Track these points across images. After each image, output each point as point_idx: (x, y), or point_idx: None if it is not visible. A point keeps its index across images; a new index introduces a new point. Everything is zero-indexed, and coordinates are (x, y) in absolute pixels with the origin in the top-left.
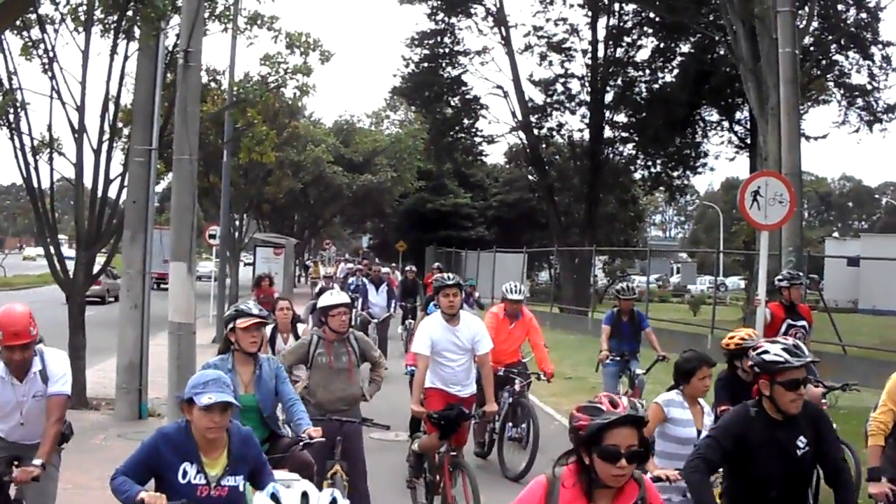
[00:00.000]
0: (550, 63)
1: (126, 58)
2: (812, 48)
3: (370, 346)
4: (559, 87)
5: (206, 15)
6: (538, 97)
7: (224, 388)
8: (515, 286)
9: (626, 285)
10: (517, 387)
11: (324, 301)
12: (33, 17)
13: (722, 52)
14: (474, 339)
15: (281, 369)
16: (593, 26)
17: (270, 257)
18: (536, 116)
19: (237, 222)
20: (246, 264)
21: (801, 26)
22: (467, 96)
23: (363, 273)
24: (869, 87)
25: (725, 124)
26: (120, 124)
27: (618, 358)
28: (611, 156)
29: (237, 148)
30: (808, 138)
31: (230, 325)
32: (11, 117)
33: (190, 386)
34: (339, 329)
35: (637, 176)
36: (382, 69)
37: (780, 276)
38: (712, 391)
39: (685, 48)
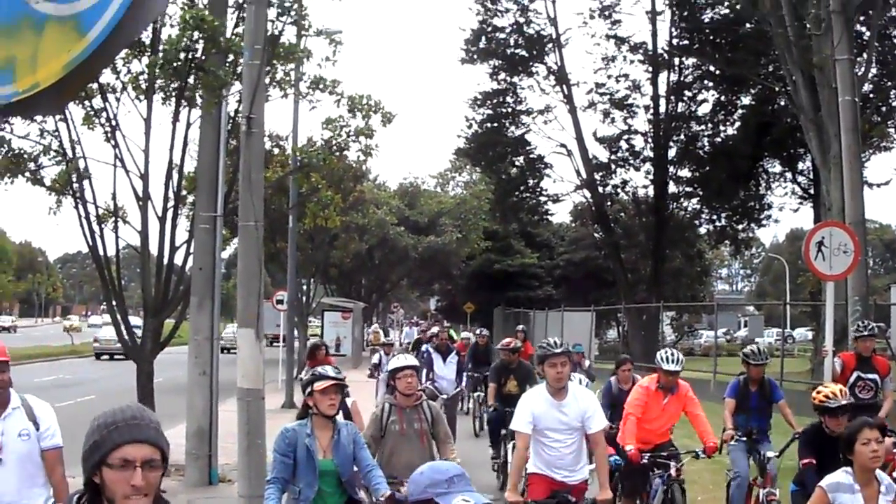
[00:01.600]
0: (613, 120)
1: (188, 125)
2: (872, 95)
3: (441, 419)
4: (623, 144)
5: (267, 81)
6: (602, 154)
7: (469, 483)
8: (673, 354)
9: (756, 348)
10: (673, 471)
11: (392, 364)
12: (95, 86)
13: (782, 103)
14: (584, 416)
15: (359, 435)
16: (654, 82)
17: (339, 321)
18: (601, 174)
19: (304, 287)
20: (313, 327)
21: (860, 73)
22: (531, 156)
23: (440, 339)
24: None
25: (788, 175)
26: (184, 191)
27: (744, 438)
28: (675, 211)
29: (303, 213)
30: (870, 186)
31: (308, 390)
32: (76, 186)
33: (426, 483)
34: (405, 391)
35: (702, 230)
36: (446, 130)
37: (854, 327)
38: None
39: (746, 100)
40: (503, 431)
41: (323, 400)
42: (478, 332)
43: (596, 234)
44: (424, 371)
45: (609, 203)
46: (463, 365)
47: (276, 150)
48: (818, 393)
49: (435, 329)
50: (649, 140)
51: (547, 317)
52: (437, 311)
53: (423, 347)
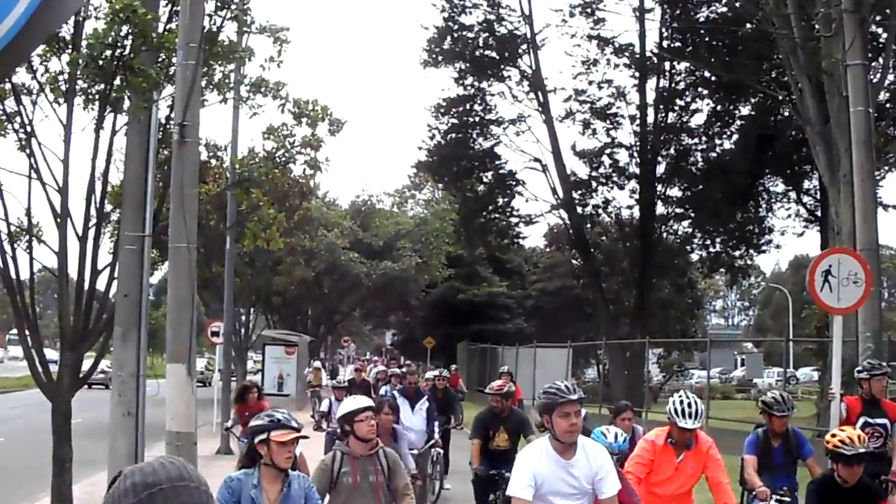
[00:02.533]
0: (594, 132)
1: (114, 132)
2: (888, 105)
3: (399, 470)
4: (605, 159)
5: (204, 83)
6: (581, 170)
7: None
8: (691, 406)
9: (780, 395)
10: None
11: (345, 407)
12: (7, 86)
13: (786, 114)
14: (596, 477)
15: (312, 489)
16: (641, 89)
17: (282, 357)
18: (580, 192)
19: (243, 317)
20: (255, 363)
21: (875, 81)
22: (501, 171)
23: (401, 380)
24: None
25: (792, 195)
26: (108, 208)
27: (787, 499)
28: (664, 235)
29: (241, 233)
30: (885, 207)
31: (262, 437)
32: None
33: None
34: (367, 435)
35: (694, 257)
36: (406, 143)
37: (859, 367)
38: None
39: (745, 110)
40: (491, 497)
41: (280, 451)
42: (437, 372)
43: (574, 261)
44: None
45: (589, 225)
46: (431, 412)
47: (212, 162)
48: (833, 437)
49: (381, 368)
50: (635, 155)
51: (517, 353)
52: (393, 347)
53: (383, 390)
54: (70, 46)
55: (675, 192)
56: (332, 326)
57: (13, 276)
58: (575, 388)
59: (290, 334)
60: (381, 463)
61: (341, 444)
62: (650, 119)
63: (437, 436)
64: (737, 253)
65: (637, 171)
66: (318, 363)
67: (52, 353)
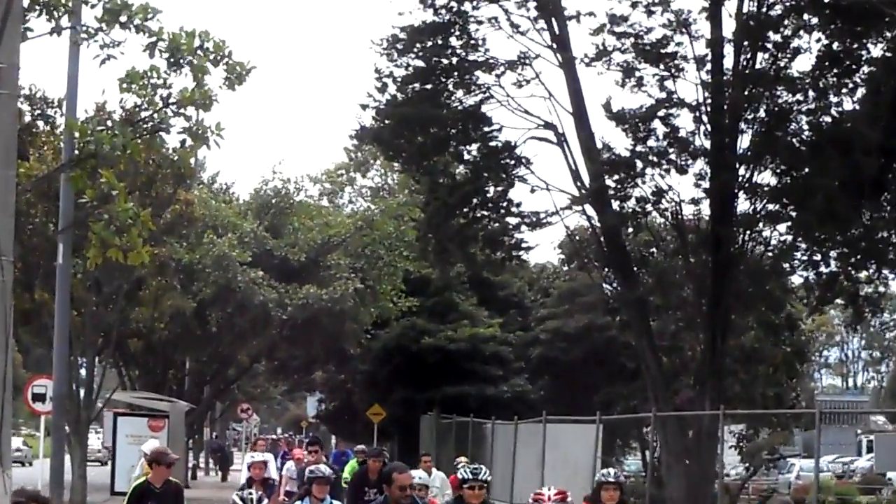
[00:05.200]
0: (641, 82)
1: None
2: None
3: None
4: (658, 125)
5: (26, 4)
6: (620, 143)
7: None
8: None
9: None
10: None
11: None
12: None
13: None
14: None
15: None
16: (715, 15)
17: (143, 434)
18: (617, 178)
19: (84, 371)
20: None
21: None
22: (493, 143)
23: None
24: None
25: None
26: None
27: None
28: (749, 246)
29: (83, 240)
30: None
31: None
32: None
33: None
34: None
35: (796, 280)
36: (342, 99)
37: None
38: None
39: (876, 51)
40: None
41: None
42: (468, 464)
43: (606, 286)
44: None
45: (631, 230)
46: None
47: (40, 125)
48: None
49: (257, 456)
50: (704, 119)
51: (516, 432)
52: (318, 420)
53: None
54: None
55: (766, 178)
56: (225, 387)
57: None
58: None
59: (157, 398)
60: None
61: None
62: (728, 63)
63: None
64: (862, 274)
65: (707, 144)
66: (153, 442)
67: None
